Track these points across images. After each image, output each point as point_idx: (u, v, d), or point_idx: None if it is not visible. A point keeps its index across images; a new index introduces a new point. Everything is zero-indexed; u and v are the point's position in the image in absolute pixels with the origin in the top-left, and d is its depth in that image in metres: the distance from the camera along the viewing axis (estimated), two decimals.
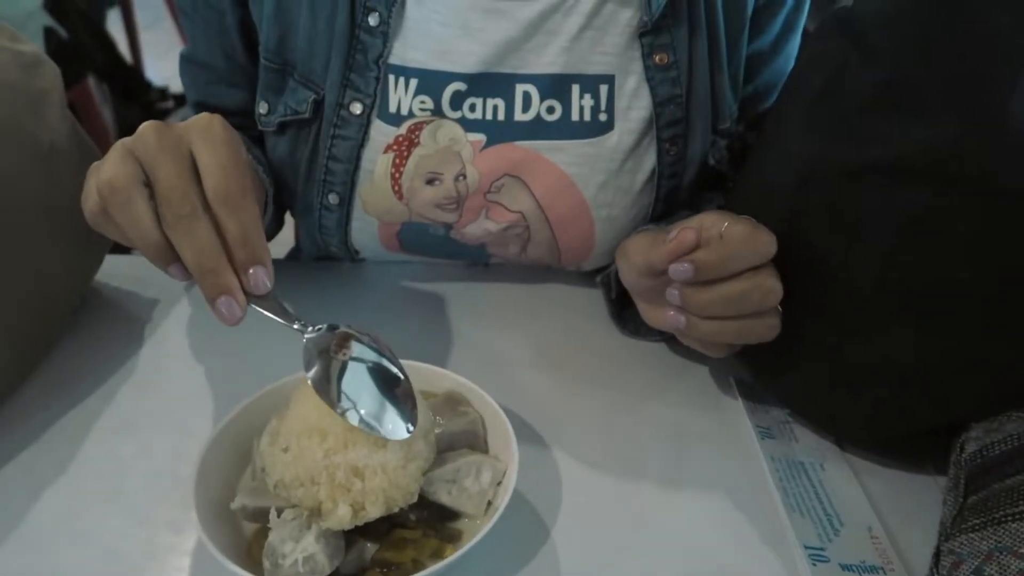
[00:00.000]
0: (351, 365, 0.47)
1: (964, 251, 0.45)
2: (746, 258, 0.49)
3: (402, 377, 0.48)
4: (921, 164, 0.45)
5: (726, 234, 0.49)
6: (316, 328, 0.48)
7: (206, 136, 0.44)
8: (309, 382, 0.45)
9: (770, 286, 0.49)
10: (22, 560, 0.49)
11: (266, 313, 0.46)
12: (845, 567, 0.48)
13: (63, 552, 0.49)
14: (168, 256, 0.44)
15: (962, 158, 0.44)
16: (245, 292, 0.44)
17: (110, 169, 0.43)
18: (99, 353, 0.65)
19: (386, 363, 0.48)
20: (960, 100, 0.44)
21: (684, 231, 0.49)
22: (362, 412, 0.45)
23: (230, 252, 0.44)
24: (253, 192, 0.44)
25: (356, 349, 0.48)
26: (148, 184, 0.43)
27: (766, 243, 0.48)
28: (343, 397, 0.45)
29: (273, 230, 0.75)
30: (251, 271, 0.44)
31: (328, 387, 0.45)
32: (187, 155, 0.44)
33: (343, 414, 0.45)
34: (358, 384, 0.46)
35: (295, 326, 0.47)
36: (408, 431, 0.46)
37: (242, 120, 0.66)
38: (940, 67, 0.45)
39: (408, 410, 0.47)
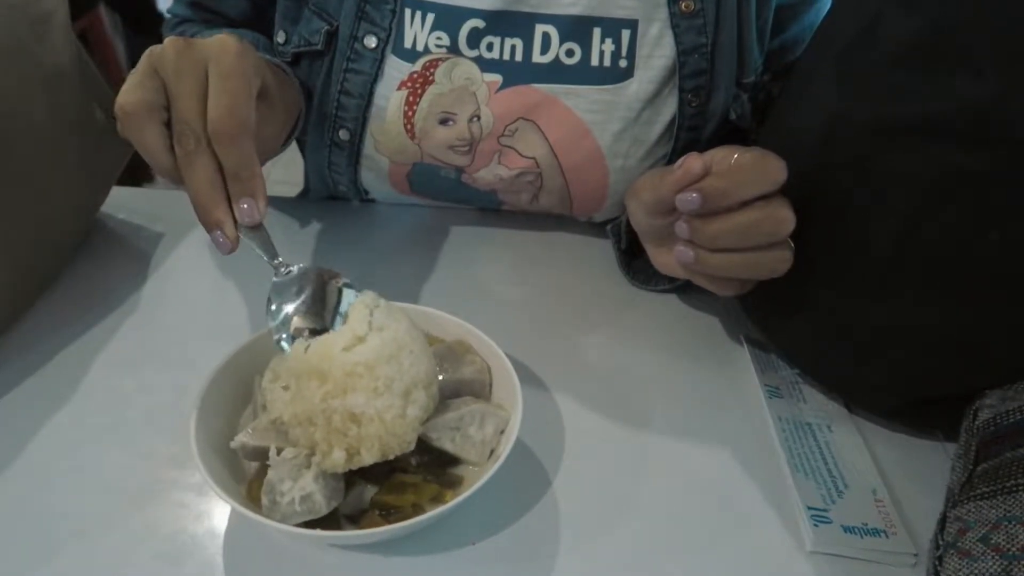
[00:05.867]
0: (346, 291, 0.49)
1: (994, 215, 0.44)
2: (756, 184, 0.47)
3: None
4: (957, 122, 0.43)
5: (735, 162, 0.47)
6: (287, 270, 0.49)
7: (218, 64, 0.45)
8: (292, 315, 0.48)
9: (782, 215, 0.47)
10: (21, 491, 0.49)
11: (252, 245, 0.48)
12: (847, 529, 0.48)
13: (62, 484, 0.49)
14: (178, 177, 0.46)
15: (1004, 117, 0.42)
16: (237, 222, 0.47)
17: (126, 93, 0.45)
18: (103, 286, 0.65)
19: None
20: (1006, 55, 0.42)
21: (690, 159, 0.47)
22: None
23: (227, 183, 0.46)
24: (251, 129, 0.46)
25: (344, 279, 0.50)
26: (167, 107, 0.45)
27: (776, 169, 0.47)
28: (339, 319, 0.48)
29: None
30: (243, 204, 0.46)
31: (322, 310, 0.48)
32: (202, 80, 0.45)
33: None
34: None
35: (273, 262, 0.49)
36: None
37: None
38: (986, 19, 0.42)
39: None
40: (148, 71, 0.45)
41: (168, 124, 0.45)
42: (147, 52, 0.46)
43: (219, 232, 0.46)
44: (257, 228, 0.47)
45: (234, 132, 0.44)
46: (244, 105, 0.45)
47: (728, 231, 0.48)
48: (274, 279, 0.48)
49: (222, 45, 0.46)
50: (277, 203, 0.77)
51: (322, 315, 0.48)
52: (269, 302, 0.48)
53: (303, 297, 0.48)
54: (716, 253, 0.50)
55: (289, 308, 0.48)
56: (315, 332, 0.47)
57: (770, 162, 0.47)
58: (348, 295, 0.49)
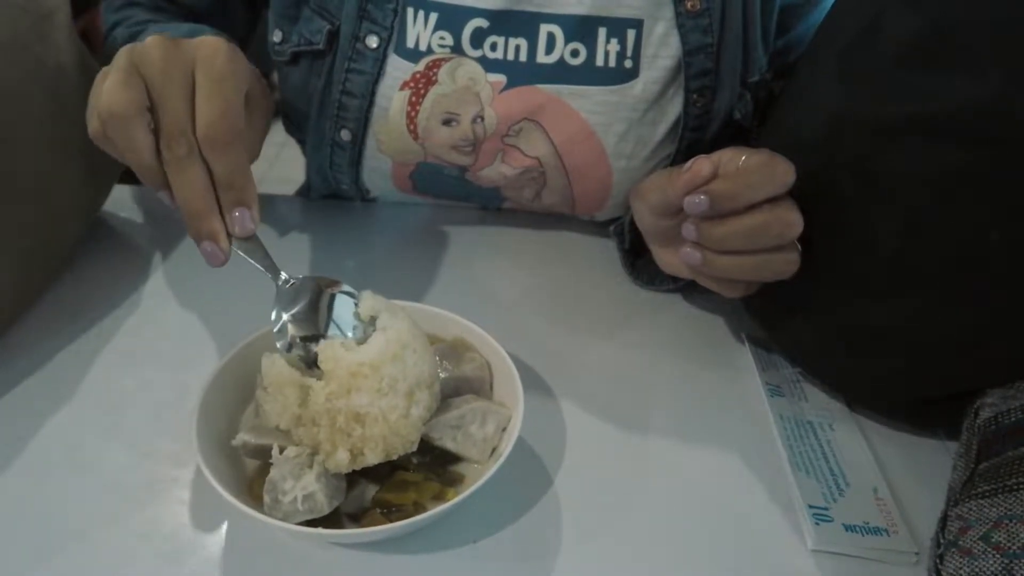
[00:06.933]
0: (339, 297, 0.49)
1: (994, 215, 0.44)
2: (764, 187, 0.47)
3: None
4: (958, 121, 0.43)
5: (743, 164, 0.47)
6: (291, 281, 0.48)
7: (209, 67, 0.44)
8: (288, 322, 0.47)
9: (790, 218, 0.47)
10: (22, 489, 0.49)
11: (247, 259, 0.47)
12: (848, 528, 0.48)
13: (63, 482, 0.49)
14: (162, 182, 0.45)
15: (1005, 116, 0.42)
16: (229, 233, 0.45)
17: (111, 93, 0.43)
18: (105, 284, 0.65)
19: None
20: (1007, 54, 0.42)
21: (698, 161, 0.47)
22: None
23: (218, 191, 0.45)
24: (243, 135, 0.44)
25: (343, 286, 0.49)
26: (150, 108, 0.43)
27: (784, 171, 0.47)
28: (332, 325, 0.48)
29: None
30: (236, 213, 0.45)
31: (316, 317, 0.48)
32: (190, 84, 0.44)
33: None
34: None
35: (278, 280, 0.48)
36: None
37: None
38: (987, 18, 0.42)
39: None
40: (130, 69, 0.43)
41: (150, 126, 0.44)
42: (126, 50, 0.44)
43: (212, 244, 0.45)
44: (250, 239, 0.46)
45: (227, 138, 0.43)
46: (236, 111, 0.44)
47: (736, 234, 0.48)
48: (276, 289, 0.48)
49: (211, 47, 0.44)
50: (277, 202, 0.77)
51: (315, 322, 0.47)
52: (273, 314, 0.47)
53: (300, 305, 0.48)
54: (723, 255, 0.50)
55: (286, 316, 0.47)
56: (308, 339, 0.47)
57: (778, 164, 0.47)
58: (341, 301, 0.49)
